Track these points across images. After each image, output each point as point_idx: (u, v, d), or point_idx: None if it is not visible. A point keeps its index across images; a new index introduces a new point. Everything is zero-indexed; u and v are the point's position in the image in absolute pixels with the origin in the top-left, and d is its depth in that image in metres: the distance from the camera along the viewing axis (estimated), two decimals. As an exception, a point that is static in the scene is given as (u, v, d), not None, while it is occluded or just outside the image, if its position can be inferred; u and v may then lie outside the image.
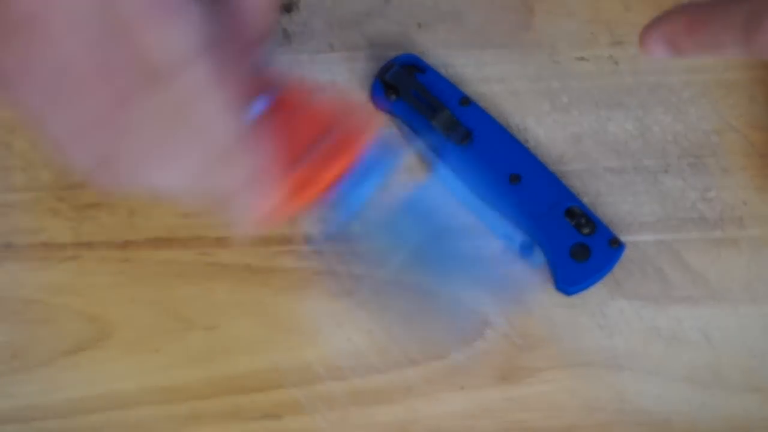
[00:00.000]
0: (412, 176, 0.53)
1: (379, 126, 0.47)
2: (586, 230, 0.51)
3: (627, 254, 0.51)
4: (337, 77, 0.55)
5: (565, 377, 0.49)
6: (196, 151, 0.37)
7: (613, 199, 0.53)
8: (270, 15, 0.41)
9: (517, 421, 0.49)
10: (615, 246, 0.50)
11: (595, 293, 0.51)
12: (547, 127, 0.54)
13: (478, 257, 0.51)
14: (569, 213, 0.51)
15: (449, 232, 0.49)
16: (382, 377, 0.49)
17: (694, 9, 0.42)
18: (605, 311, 0.51)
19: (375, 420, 0.49)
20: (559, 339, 0.50)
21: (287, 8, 0.56)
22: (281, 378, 0.49)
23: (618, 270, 0.51)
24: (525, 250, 0.51)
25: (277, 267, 0.51)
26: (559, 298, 0.51)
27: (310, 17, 0.56)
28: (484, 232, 0.52)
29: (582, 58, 0.55)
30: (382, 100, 0.54)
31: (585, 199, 0.52)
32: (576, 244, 0.50)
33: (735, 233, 0.52)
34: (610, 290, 0.51)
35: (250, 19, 0.40)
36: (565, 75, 0.55)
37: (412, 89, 0.53)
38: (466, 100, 0.53)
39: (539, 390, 0.49)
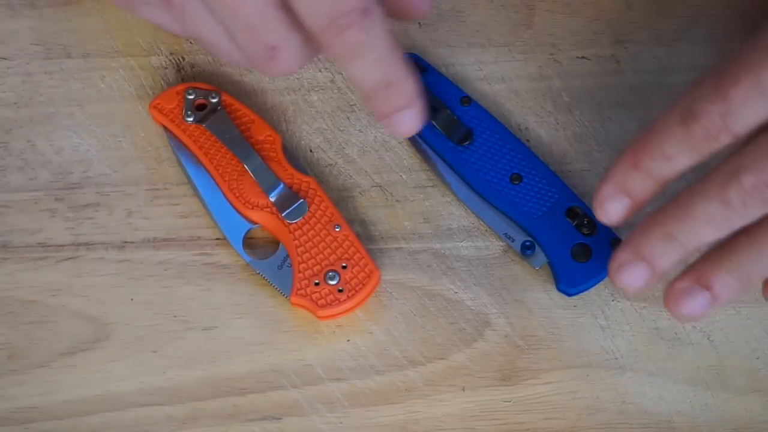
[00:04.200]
0: (413, 176, 0.53)
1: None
2: (587, 231, 0.50)
3: (629, 254, 0.51)
4: (336, 76, 0.54)
5: (566, 378, 0.49)
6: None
7: (615, 199, 0.52)
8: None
9: (518, 423, 0.49)
10: (616, 246, 0.50)
11: (597, 294, 0.51)
12: (549, 127, 0.54)
13: (478, 257, 0.51)
14: (570, 213, 0.51)
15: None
16: (382, 378, 0.49)
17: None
18: (607, 312, 0.50)
19: (375, 421, 0.48)
20: (560, 340, 0.50)
21: (287, 7, 0.56)
22: (280, 379, 0.49)
23: (620, 270, 0.51)
24: (526, 251, 0.50)
25: (276, 267, 0.51)
26: (561, 298, 0.50)
27: (310, 16, 0.56)
28: (485, 232, 0.52)
29: (583, 58, 0.55)
30: (382, 100, 0.53)
31: (586, 199, 0.52)
32: (577, 244, 0.50)
33: (737, 233, 0.52)
34: (611, 291, 0.51)
35: None
36: (566, 74, 0.55)
37: (412, 88, 0.53)
38: (467, 100, 0.53)
39: (540, 391, 0.49)
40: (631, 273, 0.44)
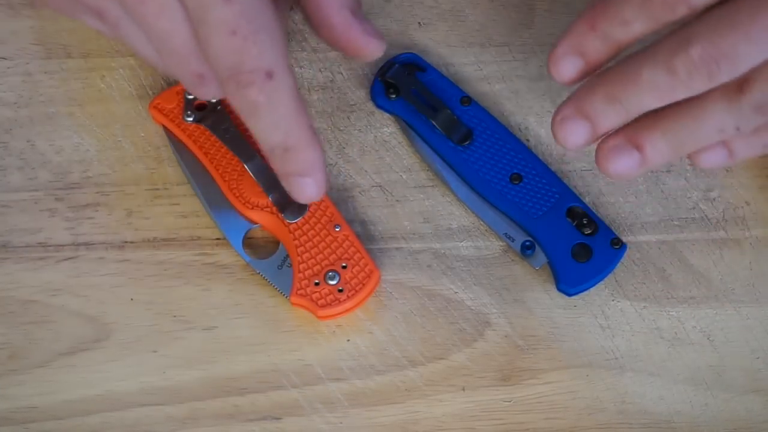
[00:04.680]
0: (413, 176, 0.53)
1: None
2: (587, 230, 0.50)
3: (629, 254, 0.51)
4: (336, 77, 0.54)
5: (566, 378, 0.49)
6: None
7: (615, 199, 0.52)
8: None
9: (518, 423, 0.49)
10: (617, 246, 0.50)
11: (597, 294, 0.50)
12: (549, 127, 0.54)
13: (478, 257, 0.51)
14: (571, 213, 0.51)
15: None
16: (382, 378, 0.49)
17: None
18: (607, 312, 0.50)
19: (375, 421, 0.48)
20: (560, 340, 0.50)
21: (287, 7, 0.56)
22: (280, 379, 0.49)
23: (619, 270, 0.51)
24: (526, 251, 0.50)
25: (276, 267, 0.51)
26: (561, 298, 0.50)
27: (310, 16, 0.56)
28: (485, 231, 0.52)
29: (583, 57, 0.55)
30: (382, 99, 0.53)
31: (586, 199, 0.52)
32: (577, 244, 0.50)
33: (737, 233, 0.52)
34: (611, 291, 0.51)
35: None
36: (566, 74, 0.55)
37: (412, 88, 0.53)
38: (466, 100, 0.53)
39: (540, 391, 0.49)
40: (571, 129, 0.43)
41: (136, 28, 0.43)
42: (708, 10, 0.40)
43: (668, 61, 0.40)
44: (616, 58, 0.43)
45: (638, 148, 0.43)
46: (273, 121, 0.42)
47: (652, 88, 0.41)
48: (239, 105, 0.42)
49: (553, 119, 0.44)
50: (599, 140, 0.44)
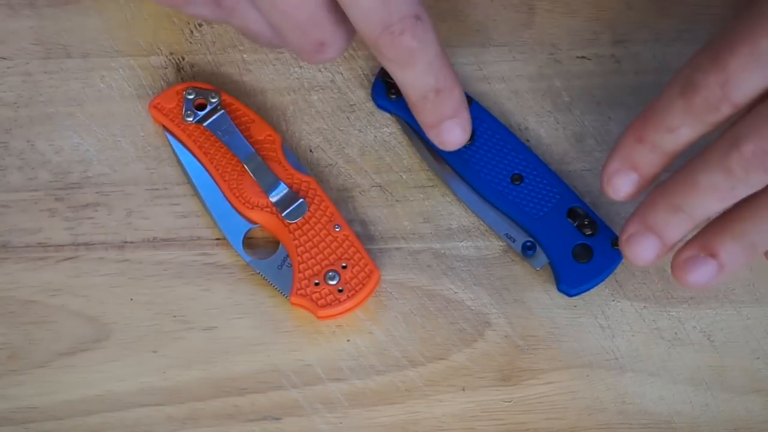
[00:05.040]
0: (413, 176, 0.53)
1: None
2: (588, 231, 0.50)
3: (629, 255, 0.51)
4: (336, 77, 0.54)
5: (566, 378, 0.49)
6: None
7: (615, 199, 0.52)
8: None
9: (518, 423, 0.49)
10: (618, 247, 0.50)
11: (597, 294, 0.50)
12: (549, 127, 0.54)
13: (478, 257, 0.51)
14: (572, 214, 0.51)
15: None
16: (382, 378, 0.49)
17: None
18: (607, 312, 0.50)
19: (375, 422, 0.48)
20: (560, 340, 0.50)
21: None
22: (280, 379, 0.49)
23: (620, 270, 0.51)
24: (527, 251, 0.50)
25: (276, 267, 0.51)
26: (561, 298, 0.50)
27: (310, 16, 0.56)
28: (485, 231, 0.52)
29: (584, 57, 0.55)
30: (383, 100, 0.53)
31: (587, 199, 0.52)
32: (578, 245, 0.50)
33: (738, 233, 0.52)
34: (611, 291, 0.51)
35: None
36: (566, 74, 0.55)
37: (412, 88, 0.53)
38: (467, 100, 0.53)
39: (540, 391, 0.49)
40: (640, 245, 0.43)
41: (253, 10, 0.45)
42: (753, 105, 0.41)
43: (722, 161, 0.40)
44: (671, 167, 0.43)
45: (713, 256, 0.43)
46: (426, 64, 0.44)
47: (712, 192, 0.41)
48: (394, 57, 0.43)
49: (621, 239, 0.44)
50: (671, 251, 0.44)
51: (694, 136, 0.42)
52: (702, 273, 0.43)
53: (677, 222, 0.43)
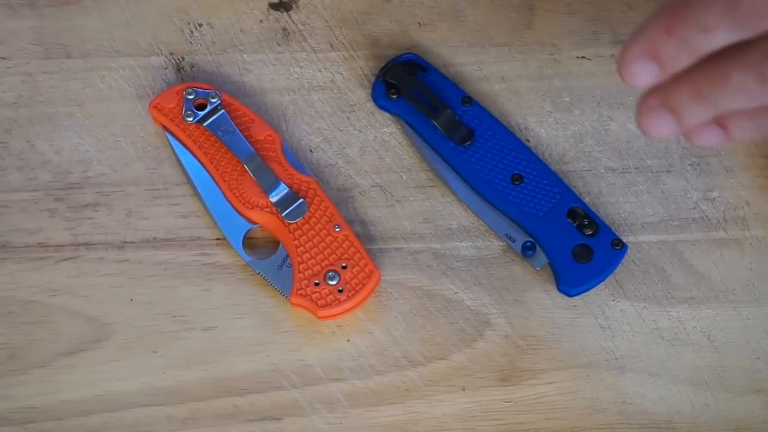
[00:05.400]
0: (413, 176, 0.53)
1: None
2: (588, 231, 0.50)
3: (629, 254, 0.51)
4: (336, 77, 0.54)
5: (566, 379, 0.49)
6: None
7: (615, 200, 0.52)
8: None
9: (518, 423, 0.48)
10: (617, 247, 0.50)
11: (597, 294, 0.50)
12: (549, 127, 0.54)
13: (478, 257, 0.51)
14: (572, 214, 0.51)
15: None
16: (382, 378, 0.49)
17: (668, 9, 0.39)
18: (607, 312, 0.50)
19: (375, 422, 0.48)
20: (560, 340, 0.50)
21: (287, 7, 0.56)
22: (280, 379, 0.49)
23: (620, 270, 0.51)
24: (527, 251, 0.50)
25: (276, 267, 0.51)
26: (561, 299, 0.50)
27: (310, 16, 0.56)
28: (485, 232, 0.52)
29: (583, 57, 0.55)
30: (383, 100, 0.53)
31: (587, 199, 0.52)
32: (578, 245, 0.50)
33: (738, 234, 0.52)
34: (611, 291, 0.51)
35: None
36: (566, 74, 0.55)
37: (413, 88, 0.53)
38: (467, 100, 0.53)
39: (540, 391, 0.49)
40: (657, 120, 0.41)
41: None
42: None
43: (758, 67, 0.38)
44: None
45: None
46: None
47: (742, 92, 0.39)
48: None
49: (639, 106, 0.41)
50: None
51: (729, 40, 0.38)
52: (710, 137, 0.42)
53: (699, 110, 0.40)
